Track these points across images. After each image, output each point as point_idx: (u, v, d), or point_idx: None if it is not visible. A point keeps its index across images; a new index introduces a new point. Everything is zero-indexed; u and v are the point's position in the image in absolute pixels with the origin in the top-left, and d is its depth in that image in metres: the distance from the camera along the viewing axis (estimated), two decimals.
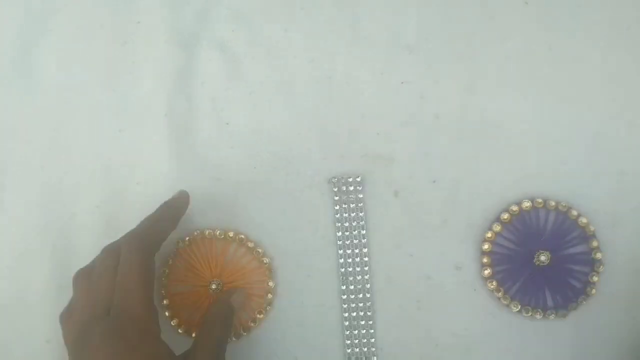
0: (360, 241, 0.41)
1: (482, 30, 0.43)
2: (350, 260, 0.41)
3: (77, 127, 0.43)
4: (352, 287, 0.41)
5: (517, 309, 0.40)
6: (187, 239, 0.41)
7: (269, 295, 0.41)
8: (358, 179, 0.42)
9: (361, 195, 0.42)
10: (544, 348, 0.40)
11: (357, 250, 0.41)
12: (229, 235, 0.41)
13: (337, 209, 0.41)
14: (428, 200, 0.41)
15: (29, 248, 0.42)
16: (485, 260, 0.40)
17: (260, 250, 0.41)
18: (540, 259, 0.40)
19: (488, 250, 0.40)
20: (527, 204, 0.40)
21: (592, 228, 0.40)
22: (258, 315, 0.40)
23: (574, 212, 0.40)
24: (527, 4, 0.43)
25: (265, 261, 0.41)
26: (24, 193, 0.43)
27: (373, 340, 0.40)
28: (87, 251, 0.42)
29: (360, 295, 0.41)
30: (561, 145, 0.42)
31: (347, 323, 0.40)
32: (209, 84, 0.43)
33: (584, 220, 0.40)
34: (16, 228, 0.42)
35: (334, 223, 0.41)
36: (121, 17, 0.44)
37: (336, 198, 0.42)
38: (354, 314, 0.40)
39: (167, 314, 0.40)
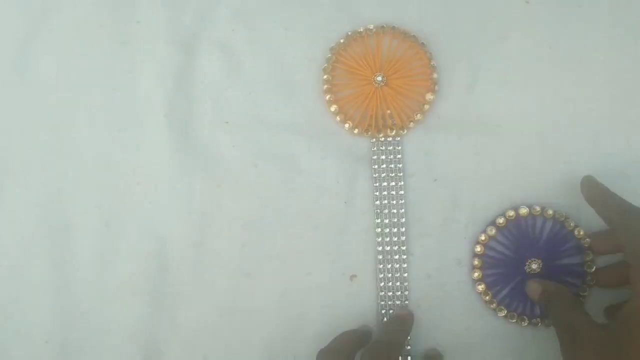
0: None
1: (482, 29, 0.43)
2: None
3: (77, 127, 0.43)
4: None
5: (503, 314, 0.39)
6: (341, 40, 0.42)
7: (434, 75, 0.42)
8: None
9: None
10: (544, 350, 0.40)
11: None
12: (380, 28, 0.42)
13: None
14: (428, 199, 0.41)
15: (29, 248, 0.42)
16: (476, 262, 0.40)
17: (415, 35, 0.42)
18: (532, 267, 0.40)
19: (480, 252, 0.40)
20: (524, 211, 0.40)
21: (588, 240, 0.40)
22: (428, 97, 0.41)
23: (571, 223, 0.40)
24: (528, 3, 0.43)
25: (422, 43, 0.42)
26: (24, 193, 0.43)
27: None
28: (87, 251, 0.42)
29: None
30: (562, 145, 0.42)
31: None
32: (209, 84, 0.43)
33: (580, 231, 0.40)
34: (16, 228, 0.42)
35: None
36: (121, 17, 0.44)
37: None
38: None
39: (338, 119, 0.41)
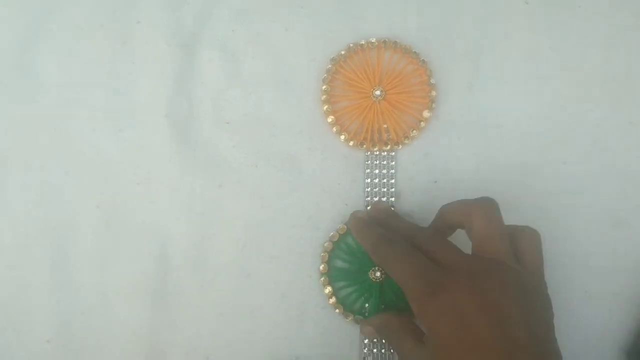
0: None
1: (482, 30, 0.43)
2: None
3: (77, 127, 0.43)
4: None
5: None
6: (342, 52, 0.42)
7: (433, 93, 0.41)
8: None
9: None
10: None
11: None
12: (382, 42, 0.42)
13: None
14: (429, 201, 0.41)
15: (29, 248, 0.42)
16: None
17: (416, 52, 0.42)
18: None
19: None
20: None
21: None
22: (425, 114, 0.42)
23: None
24: (528, 4, 0.43)
25: (423, 60, 0.42)
26: (24, 193, 0.43)
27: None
28: (87, 251, 0.42)
29: None
30: (561, 145, 0.42)
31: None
32: (209, 84, 0.43)
33: None
34: (16, 228, 0.42)
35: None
36: (121, 17, 0.44)
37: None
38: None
39: (334, 130, 0.42)
